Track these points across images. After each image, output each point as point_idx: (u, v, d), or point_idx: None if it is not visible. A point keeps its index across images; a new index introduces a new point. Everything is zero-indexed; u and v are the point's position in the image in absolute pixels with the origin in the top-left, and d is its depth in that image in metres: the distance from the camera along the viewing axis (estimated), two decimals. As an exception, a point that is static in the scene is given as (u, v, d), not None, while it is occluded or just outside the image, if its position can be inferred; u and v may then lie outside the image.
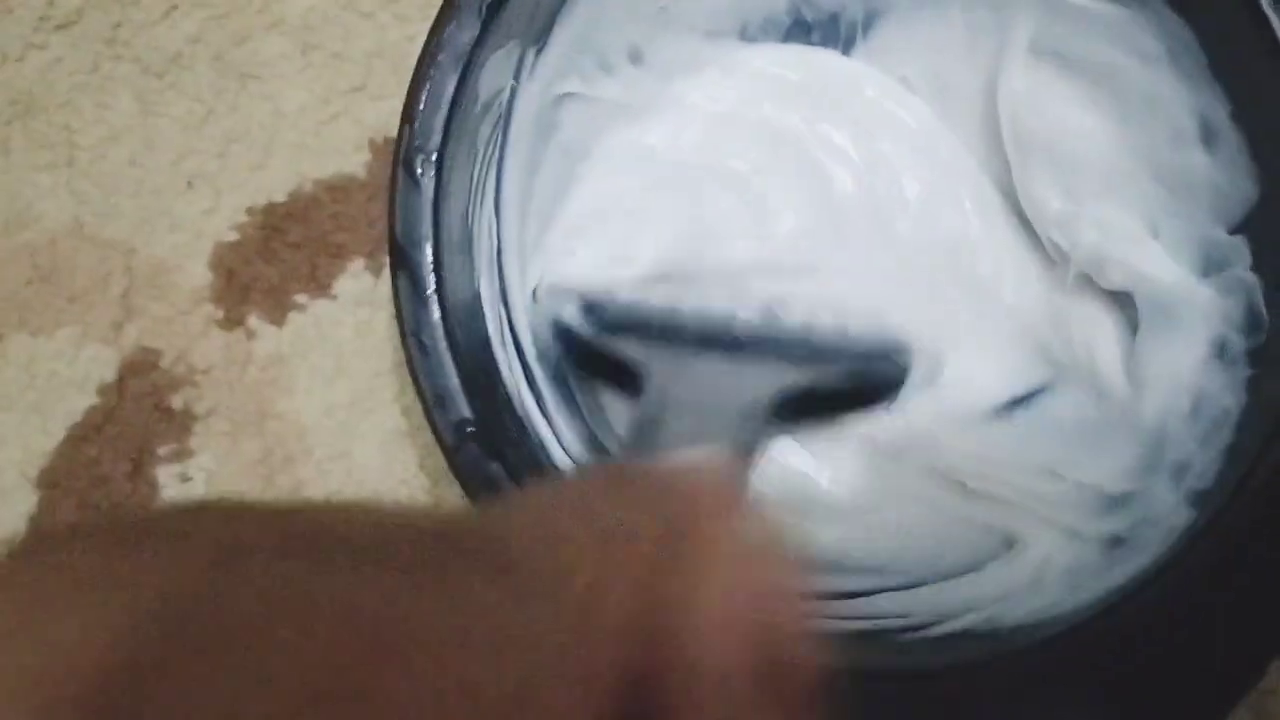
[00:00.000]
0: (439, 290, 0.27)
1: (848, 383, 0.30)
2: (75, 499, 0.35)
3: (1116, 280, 0.30)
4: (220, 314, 0.35)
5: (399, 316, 0.26)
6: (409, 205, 0.27)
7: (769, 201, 0.32)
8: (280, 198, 0.36)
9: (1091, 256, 0.30)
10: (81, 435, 0.35)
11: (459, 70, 0.27)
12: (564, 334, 0.30)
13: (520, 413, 0.29)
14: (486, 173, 0.29)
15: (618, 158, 0.32)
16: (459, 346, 0.26)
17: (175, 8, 0.37)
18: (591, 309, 0.30)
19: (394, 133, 0.27)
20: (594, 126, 0.32)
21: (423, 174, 0.27)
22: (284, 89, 0.36)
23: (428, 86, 0.27)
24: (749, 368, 0.28)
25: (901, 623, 0.28)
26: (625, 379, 0.28)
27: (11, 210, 0.36)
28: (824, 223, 0.32)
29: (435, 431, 0.26)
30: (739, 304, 0.30)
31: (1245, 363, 0.28)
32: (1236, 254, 0.28)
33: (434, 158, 0.27)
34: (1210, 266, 0.29)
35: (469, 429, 0.26)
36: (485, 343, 0.28)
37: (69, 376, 0.35)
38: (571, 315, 0.30)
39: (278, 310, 0.35)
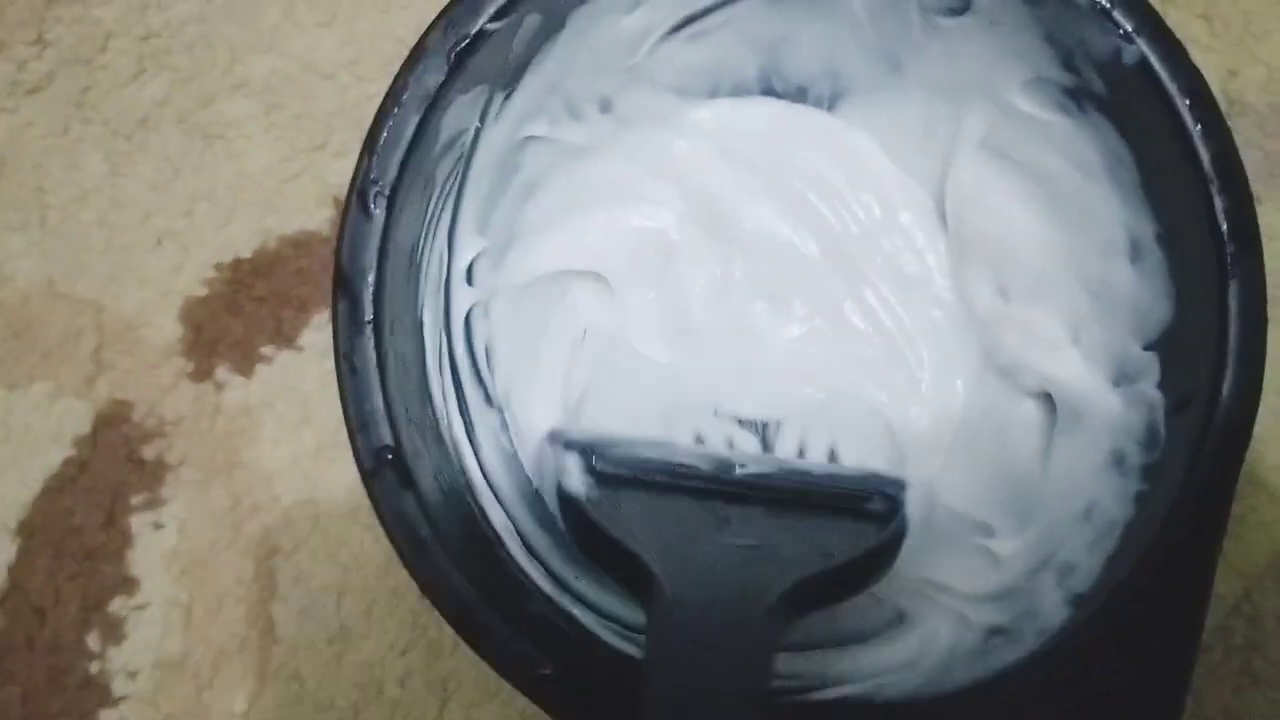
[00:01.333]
0: (376, 318, 0.27)
1: (855, 554, 0.29)
2: (51, 548, 0.36)
3: (1031, 383, 0.31)
4: (190, 367, 0.37)
5: (334, 339, 0.27)
6: (358, 234, 0.28)
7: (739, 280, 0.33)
8: (246, 254, 0.37)
9: (1010, 359, 0.32)
10: (58, 486, 0.36)
11: (421, 111, 0.28)
12: (569, 505, 0.30)
13: (447, 439, 0.30)
14: (442, 208, 0.30)
15: (576, 194, 0.34)
16: (388, 375, 0.27)
17: (143, 71, 0.38)
18: (591, 466, 0.30)
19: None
20: (554, 167, 0.33)
21: (375, 207, 0.28)
22: (248, 148, 0.38)
23: (389, 124, 0.28)
24: (758, 562, 0.28)
25: (786, 684, 0.29)
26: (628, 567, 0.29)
27: (-15, 270, 0.37)
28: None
29: (355, 454, 0.27)
30: (731, 432, 0.31)
31: (1138, 477, 0.29)
32: (1147, 370, 0.29)
33: (387, 192, 0.28)
34: (1122, 378, 0.30)
35: (388, 455, 0.27)
36: (422, 367, 0.30)
37: (44, 430, 0.37)
38: (574, 480, 0.30)
39: (245, 362, 0.37)
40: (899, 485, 0.30)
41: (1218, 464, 0.27)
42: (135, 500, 0.36)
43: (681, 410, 0.31)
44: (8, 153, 0.38)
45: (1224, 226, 0.27)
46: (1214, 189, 0.28)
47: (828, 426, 0.31)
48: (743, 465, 0.30)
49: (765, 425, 0.32)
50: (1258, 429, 0.36)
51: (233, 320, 0.37)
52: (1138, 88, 0.28)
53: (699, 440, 0.31)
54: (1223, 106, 0.37)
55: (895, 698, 0.28)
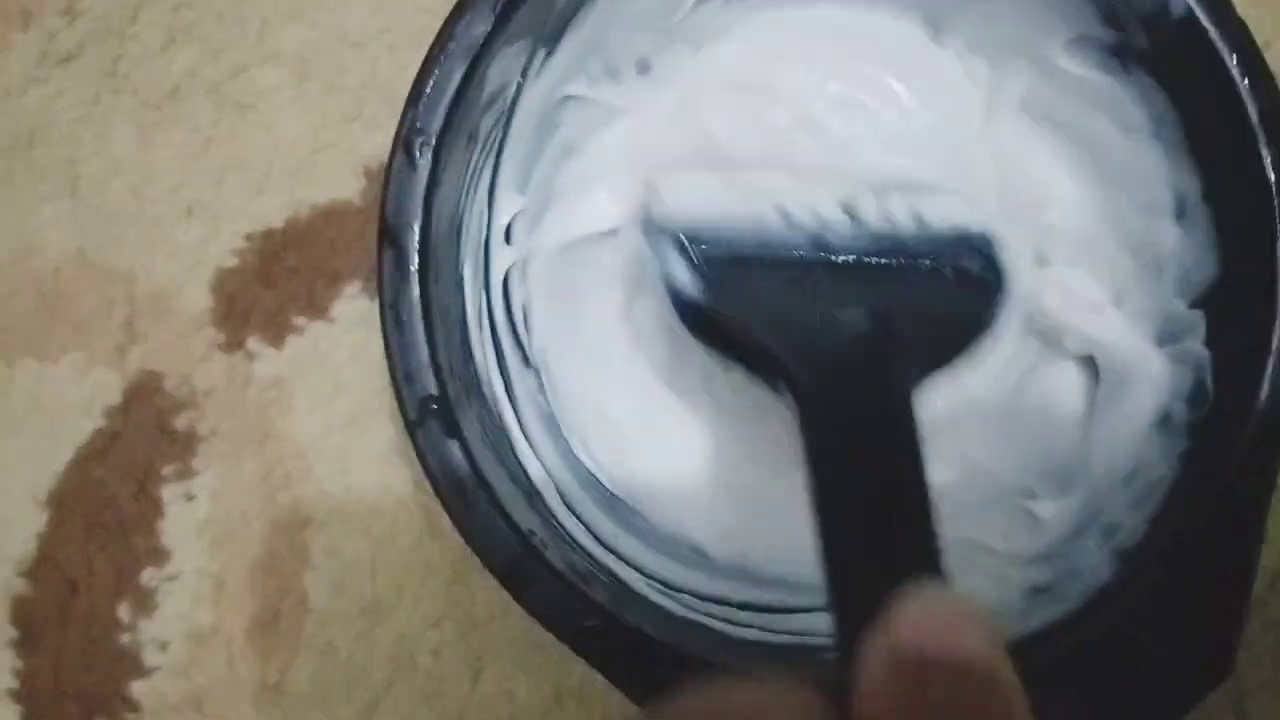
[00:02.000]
0: (422, 269, 0.27)
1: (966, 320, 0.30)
2: (82, 519, 0.36)
3: (1073, 347, 0.31)
4: (221, 338, 0.37)
5: (379, 291, 0.27)
6: (403, 185, 0.28)
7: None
8: (278, 224, 0.37)
9: (1052, 322, 0.31)
10: (88, 457, 0.36)
11: (467, 61, 0.28)
12: (678, 298, 0.30)
13: (488, 396, 0.30)
14: (484, 162, 0.30)
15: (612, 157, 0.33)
16: (434, 325, 0.27)
17: (173, 41, 0.38)
18: (692, 256, 0.30)
19: (387, 159, 0.28)
20: (592, 128, 0.33)
21: (420, 156, 0.28)
22: (280, 119, 0.37)
23: (435, 73, 0.28)
24: (881, 343, 0.27)
25: (825, 641, 0.29)
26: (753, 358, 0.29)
27: (17, 240, 0.37)
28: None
29: (400, 404, 0.27)
30: (814, 201, 0.30)
31: (1184, 435, 0.29)
32: (1193, 328, 0.29)
33: (433, 142, 0.28)
34: (1166, 338, 0.30)
35: (433, 405, 0.27)
36: (463, 324, 0.30)
37: (75, 401, 0.36)
38: (679, 272, 0.29)
39: (277, 333, 0.37)
40: (986, 241, 0.30)
41: (1267, 419, 0.27)
42: (166, 471, 0.36)
43: (760, 197, 0.31)
44: (39, 123, 0.38)
45: (1272, 179, 0.27)
46: (1261, 142, 0.27)
47: (904, 195, 0.31)
48: (837, 235, 0.30)
49: (845, 203, 0.31)
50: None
51: (264, 291, 0.37)
52: (1183, 43, 0.28)
53: (787, 219, 0.30)
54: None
55: None
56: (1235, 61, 0.28)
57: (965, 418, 0.32)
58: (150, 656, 0.35)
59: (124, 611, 0.36)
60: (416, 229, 0.27)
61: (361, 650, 0.35)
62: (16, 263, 0.37)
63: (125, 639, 0.35)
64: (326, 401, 0.36)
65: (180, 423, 0.36)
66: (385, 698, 0.35)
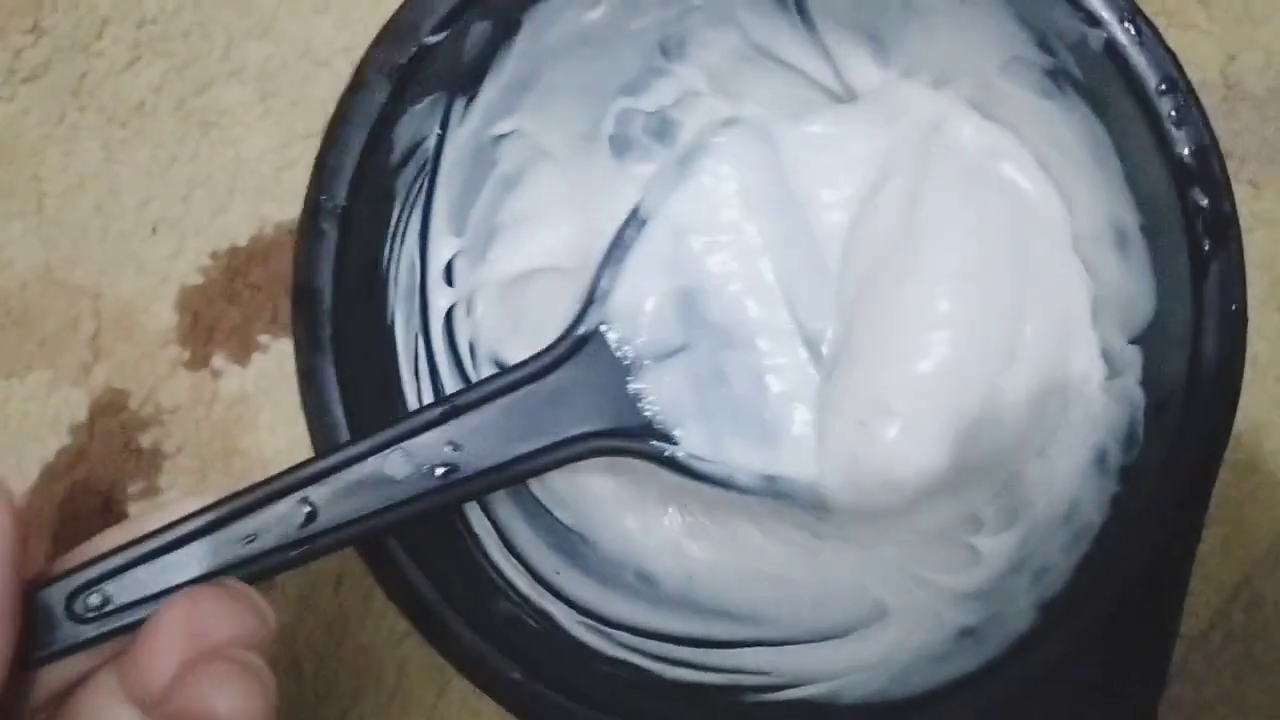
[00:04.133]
0: (335, 333, 0.28)
1: None
2: (49, 537, 0.36)
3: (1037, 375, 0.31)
4: (186, 355, 0.37)
5: (296, 357, 0.28)
6: (311, 254, 0.28)
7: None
8: (242, 241, 0.37)
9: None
10: (55, 474, 0.36)
11: (369, 127, 0.29)
12: None
13: None
14: (409, 214, 0.31)
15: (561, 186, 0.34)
16: (348, 386, 0.28)
17: (138, 58, 0.38)
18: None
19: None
20: (536, 158, 0.33)
21: (327, 225, 0.28)
22: (244, 135, 0.38)
23: (335, 146, 0.29)
24: None
25: (756, 681, 0.29)
26: None
27: (-18, 258, 0.37)
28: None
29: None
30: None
31: (1116, 479, 0.28)
32: (1131, 365, 0.29)
33: (339, 211, 0.28)
34: (1110, 372, 0.30)
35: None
36: (392, 372, 0.30)
37: (41, 418, 0.37)
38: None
39: (241, 350, 0.37)
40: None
41: (1193, 469, 0.26)
42: (132, 488, 0.36)
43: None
44: (5, 140, 0.38)
45: (1199, 222, 0.27)
46: (1189, 181, 0.27)
47: None
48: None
49: None
50: (1258, 415, 0.36)
51: (229, 308, 0.37)
52: (1109, 72, 0.27)
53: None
54: (1221, 91, 0.37)
55: (859, 699, 0.28)
56: (1161, 92, 0.27)
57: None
58: (118, 672, 0.36)
59: (91, 627, 0.36)
60: (327, 297, 0.28)
61: (327, 665, 0.35)
62: (-18, 280, 0.37)
63: (93, 655, 0.36)
64: (291, 418, 0.36)
65: (146, 440, 0.36)
66: (350, 712, 0.35)
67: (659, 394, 0.28)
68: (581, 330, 0.28)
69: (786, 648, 0.30)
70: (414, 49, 0.29)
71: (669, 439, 0.28)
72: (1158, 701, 0.27)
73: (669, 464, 0.29)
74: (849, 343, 0.30)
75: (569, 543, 0.32)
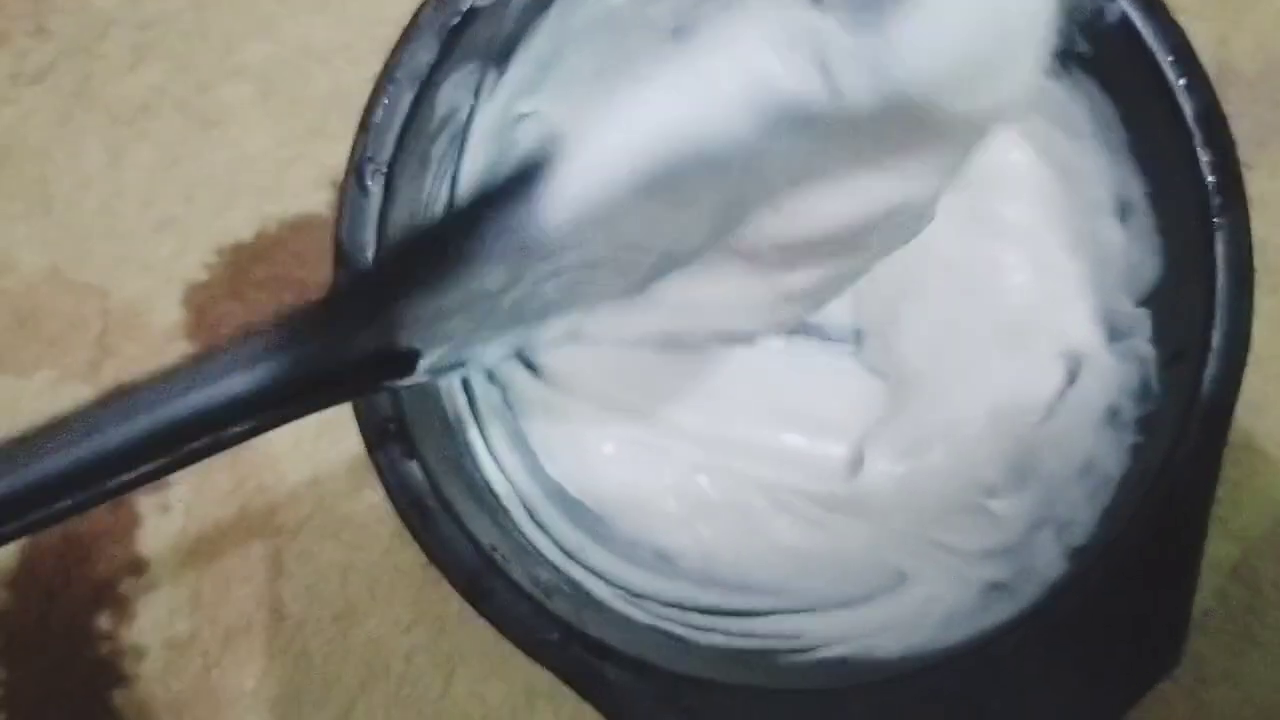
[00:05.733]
0: None
1: None
2: (60, 531, 0.37)
3: (1043, 344, 0.32)
4: (193, 351, 0.37)
5: None
6: (356, 211, 0.28)
7: None
8: (246, 238, 0.38)
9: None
10: (64, 470, 0.37)
11: (415, 88, 0.29)
12: None
13: (451, 414, 0.30)
14: (439, 185, 0.31)
15: None
16: None
17: (141, 60, 0.38)
18: None
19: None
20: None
21: (372, 183, 0.28)
22: (246, 134, 0.38)
23: (384, 102, 0.29)
24: None
25: (790, 644, 0.30)
26: None
27: (-10, 258, 0.38)
28: None
29: (360, 427, 0.28)
30: None
31: (1133, 430, 0.29)
32: (1139, 325, 0.30)
33: (384, 169, 0.28)
34: (1115, 334, 0.31)
35: (390, 427, 0.28)
36: None
37: (50, 415, 0.37)
38: None
39: (247, 345, 0.37)
40: None
41: (1210, 413, 0.28)
42: (140, 484, 0.37)
43: None
44: (11, 142, 0.38)
45: (1209, 180, 0.28)
46: (1198, 144, 0.28)
47: None
48: None
49: None
50: (1254, 396, 0.36)
51: (234, 304, 0.37)
52: (1121, 47, 0.29)
53: None
54: (1213, 74, 0.37)
55: (896, 654, 0.29)
56: (1171, 62, 0.28)
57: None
58: (130, 665, 0.36)
59: (103, 621, 0.36)
60: (370, 255, 0.28)
61: (335, 656, 0.36)
62: (-9, 280, 0.38)
63: (105, 648, 0.36)
64: (296, 412, 0.37)
65: (154, 435, 0.37)
66: (359, 702, 0.36)
67: None
68: None
69: (811, 614, 0.31)
70: (465, 9, 0.29)
71: None
72: (1184, 637, 0.27)
73: None
74: None
75: (588, 521, 0.32)
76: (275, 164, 0.38)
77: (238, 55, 0.38)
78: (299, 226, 0.38)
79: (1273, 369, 0.37)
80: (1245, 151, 0.37)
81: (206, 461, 0.36)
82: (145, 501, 0.37)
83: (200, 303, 0.37)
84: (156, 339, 0.37)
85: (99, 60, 0.38)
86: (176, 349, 0.37)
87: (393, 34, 0.31)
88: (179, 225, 0.38)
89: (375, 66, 0.30)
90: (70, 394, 0.37)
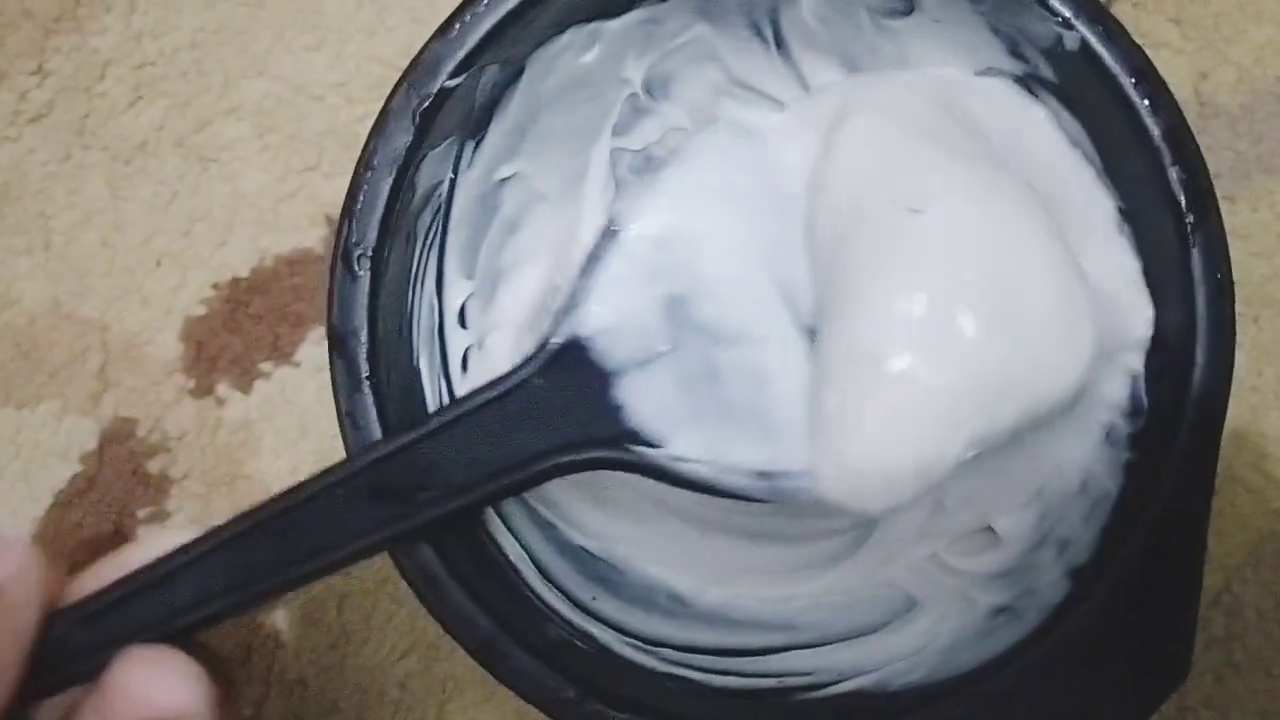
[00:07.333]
0: (373, 373, 0.29)
1: None
2: (63, 561, 0.37)
3: None
4: (191, 383, 0.38)
5: (335, 399, 0.28)
6: (346, 296, 0.29)
7: None
8: (243, 272, 0.38)
9: None
10: (66, 501, 0.38)
11: (394, 172, 0.29)
12: None
13: None
14: (427, 257, 0.32)
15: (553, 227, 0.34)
16: (389, 425, 0.28)
17: (140, 98, 0.39)
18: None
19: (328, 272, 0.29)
20: (534, 201, 0.34)
21: (359, 268, 0.29)
22: (243, 170, 0.39)
23: (364, 188, 0.29)
24: None
25: (803, 681, 0.30)
26: None
27: (-7, 293, 0.39)
28: None
29: None
30: None
31: (1127, 446, 0.30)
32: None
33: (370, 253, 0.29)
34: (1107, 355, 0.31)
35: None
36: (425, 414, 0.31)
37: (52, 446, 0.38)
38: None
39: (244, 378, 0.38)
40: None
41: (1200, 423, 0.28)
42: (141, 513, 0.37)
43: None
44: (12, 179, 0.39)
45: (1181, 198, 0.28)
46: (1167, 162, 0.29)
47: None
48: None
49: None
50: (1234, 425, 0.37)
51: (232, 337, 0.38)
52: (1084, 71, 0.29)
53: None
54: (1194, 108, 0.38)
55: (906, 685, 0.29)
56: (1134, 84, 0.29)
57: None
58: (131, 692, 0.37)
59: (104, 649, 0.37)
60: (364, 337, 0.29)
61: (332, 683, 0.37)
62: (-6, 314, 0.39)
63: (105, 675, 0.37)
64: (293, 443, 0.38)
65: (154, 466, 0.38)
66: (355, 728, 0.36)
67: (644, 401, 0.27)
68: (554, 342, 0.28)
69: (823, 648, 0.31)
70: (435, 91, 0.29)
71: (654, 446, 0.27)
72: (1190, 649, 0.28)
73: (652, 471, 0.27)
74: (828, 309, 0.29)
75: (600, 571, 0.33)
76: (272, 200, 0.39)
77: (235, 93, 0.39)
78: (295, 261, 0.38)
79: (1252, 399, 0.37)
80: (1228, 185, 0.38)
81: (204, 489, 0.37)
82: (144, 530, 0.37)
83: (199, 336, 0.38)
84: (156, 372, 0.38)
85: (98, 99, 0.39)
86: (175, 382, 0.38)
87: (386, 73, 0.32)
88: (177, 260, 0.39)
89: (371, 104, 0.30)
90: (72, 425, 0.38)
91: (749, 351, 0.29)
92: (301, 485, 0.26)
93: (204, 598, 0.25)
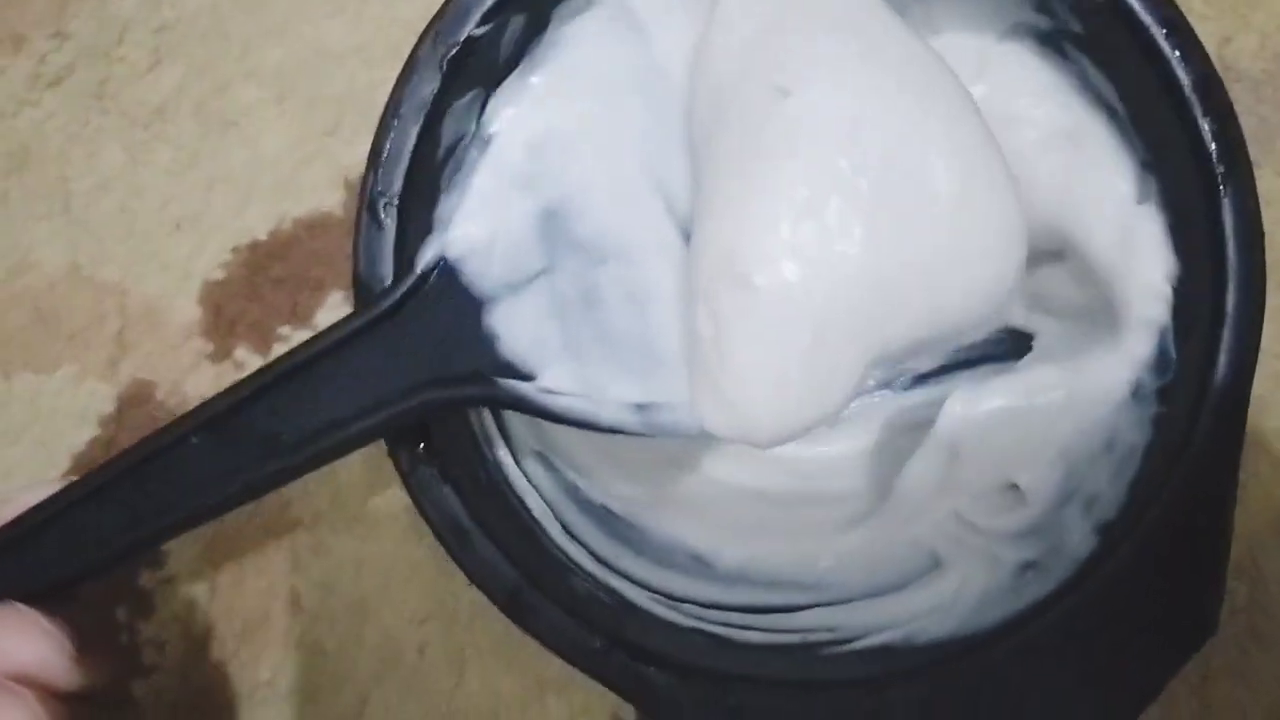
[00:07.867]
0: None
1: None
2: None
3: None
4: (210, 348, 0.38)
5: None
6: (372, 244, 0.29)
7: None
8: (262, 236, 0.38)
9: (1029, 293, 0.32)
10: (85, 465, 0.37)
11: (420, 120, 0.29)
12: None
13: (480, 436, 0.31)
14: (451, 209, 0.31)
15: None
16: None
17: (158, 62, 0.39)
18: None
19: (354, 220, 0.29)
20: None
21: (385, 216, 0.29)
22: (262, 134, 0.39)
23: (390, 137, 0.29)
24: None
25: (828, 636, 0.30)
26: None
27: (12, 257, 0.38)
28: None
29: (392, 456, 0.28)
30: None
31: (1154, 400, 0.29)
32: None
33: (396, 202, 0.29)
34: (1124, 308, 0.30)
35: (420, 449, 0.28)
36: None
37: (71, 410, 0.38)
38: None
39: (263, 342, 0.38)
40: None
41: (1229, 377, 0.28)
42: (160, 478, 0.37)
43: None
44: (31, 144, 0.39)
45: (1211, 148, 0.28)
46: (1198, 113, 0.28)
47: None
48: None
49: None
50: (1258, 392, 0.36)
51: (250, 302, 0.38)
52: (1113, 23, 0.29)
53: None
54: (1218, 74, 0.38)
55: (934, 639, 0.29)
56: (1164, 34, 0.28)
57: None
58: (149, 657, 0.37)
59: (122, 613, 0.37)
60: (389, 285, 0.28)
61: (349, 648, 0.36)
62: (12, 279, 0.38)
63: (124, 640, 0.37)
64: (312, 408, 0.37)
65: (172, 431, 0.37)
66: (373, 694, 0.36)
67: (518, 329, 0.26)
68: (421, 266, 0.26)
69: (849, 605, 0.31)
70: (462, 39, 0.29)
71: (528, 379, 0.25)
72: (1218, 606, 0.27)
73: (524, 406, 0.26)
74: (699, 212, 0.25)
75: (621, 530, 0.33)
76: (291, 164, 0.38)
77: (254, 57, 0.39)
78: (314, 225, 0.38)
79: (1277, 367, 0.37)
80: (1252, 150, 0.37)
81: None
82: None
83: (217, 300, 0.38)
84: (174, 336, 0.38)
85: (117, 63, 0.39)
86: (194, 346, 0.38)
87: (406, 36, 0.31)
88: (196, 224, 0.38)
89: (389, 68, 0.30)
90: (91, 389, 0.38)
91: (629, 269, 0.26)
92: (160, 432, 0.26)
93: (71, 552, 0.25)
